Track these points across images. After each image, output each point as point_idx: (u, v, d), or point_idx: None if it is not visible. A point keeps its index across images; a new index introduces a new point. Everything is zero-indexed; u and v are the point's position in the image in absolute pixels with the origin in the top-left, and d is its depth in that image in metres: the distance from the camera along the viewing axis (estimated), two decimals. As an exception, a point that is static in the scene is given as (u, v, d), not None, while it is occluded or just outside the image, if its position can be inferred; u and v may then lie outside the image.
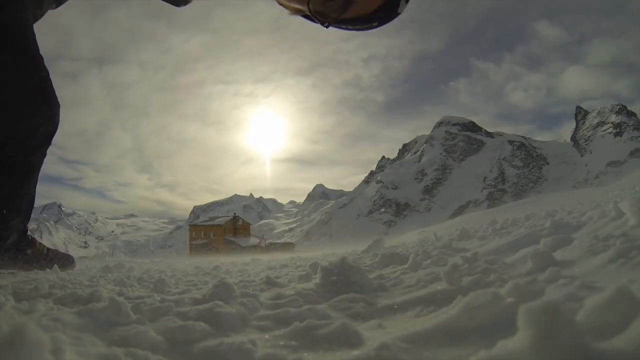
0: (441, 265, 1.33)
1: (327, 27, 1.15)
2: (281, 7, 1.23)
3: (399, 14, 1.15)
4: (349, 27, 1.17)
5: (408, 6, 1.14)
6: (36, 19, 1.67)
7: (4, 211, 1.70)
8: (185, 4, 1.61)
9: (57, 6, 1.77)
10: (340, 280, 1.05)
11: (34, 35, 1.56)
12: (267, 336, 0.65)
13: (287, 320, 0.74)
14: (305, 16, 1.20)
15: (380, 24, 1.17)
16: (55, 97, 1.67)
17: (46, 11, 1.72)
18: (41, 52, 1.58)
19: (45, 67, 1.60)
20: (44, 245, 2.11)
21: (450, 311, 0.61)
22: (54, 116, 1.68)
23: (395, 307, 0.85)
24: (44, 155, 1.76)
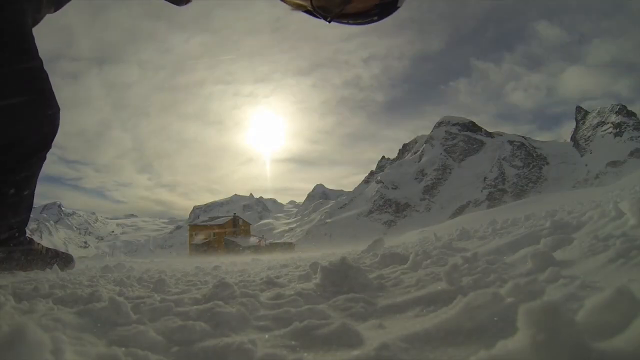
0: (441, 265, 1.33)
1: (329, 22, 1.15)
2: (283, 3, 1.23)
3: (399, 7, 1.15)
4: (350, 21, 1.17)
5: (407, 1, 1.15)
6: (35, 23, 1.67)
7: (4, 214, 1.70)
8: (186, 3, 1.61)
9: (55, 10, 1.77)
10: (340, 280, 1.05)
11: (32, 38, 1.56)
12: (267, 336, 0.65)
13: (287, 320, 0.74)
14: (307, 12, 1.19)
15: (380, 17, 1.17)
16: (55, 100, 1.67)
17: (44, 15, 1.72)
18: (40, 55, 1.58)
19: (44, 71, 1.60)
20: (43, 246, 2.11)
21: (450, 311, 0.61)
22: (54, 119, 1.68)
23: (395, 307, 0.85)
24: (44, 158, 1.75)
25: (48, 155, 1.80)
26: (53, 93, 1.65)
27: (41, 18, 1.71)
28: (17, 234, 1.85)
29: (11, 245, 1.82)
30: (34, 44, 1.56)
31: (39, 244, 2.08)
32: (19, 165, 1.64)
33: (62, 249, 2.20)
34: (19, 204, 1.74)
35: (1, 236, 1.76)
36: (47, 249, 2.15)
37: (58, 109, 1.69)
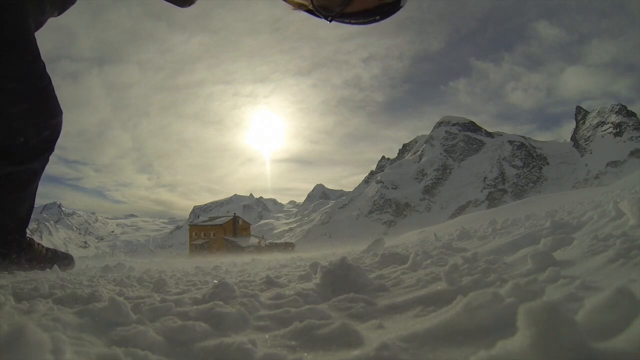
0: (441, 265, 1.33)
1: (330, 21, 1.14)
2: (284, 2, 1.23)
3: (401, 7, 1.15)
4: (352, 21, 1.16)
5: (409, 0, 1.14)
6: (38, 27, 1.68)
7: (5, 215, 1.71)
8: (189, 5, 1.61)
9: (59, 14, 1.77)
10: (340, 280, 1.05)
11: (35, 43, 1.56)
12: (267, 336, 0.65)
13: (287, 320, 0.74)
14: (308, 11, 1.19)
15: (383, 17, 1.16)
16: (58, 103, 1.68)
17: (48, 18, 1.73)
18: (42, 57, 1.59)
19: (47, 74, 1.61)
20: (43, 246, 2.11)
21: (450, 311, 0.61)
22: (57, 123, 1.69)
23: (395, 307, 0.85)
24: (46, 161, 1.76)
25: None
26: (55, 96, 1.65)
27: (44, 21, 1.72)
28: (17, 235, 1.85)
29: (12, 245, 1.82)
30: (37, 47, 1.56)
31: (39, 244, 2.08)
32: (21, 167, 1.64)
33: (62, 249, 2.21)
34: (20, 205, 1.75)
35: (2, 237, 1.76)
36: (47, 249, 2.15)
37: (61, 112, 1.70)
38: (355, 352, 0.53)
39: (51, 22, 1.79)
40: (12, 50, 1.47)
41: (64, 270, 2.13)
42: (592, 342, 0.36)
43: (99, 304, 0.75)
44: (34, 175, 1.73)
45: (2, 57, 1.45)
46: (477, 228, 3.59)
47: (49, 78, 1.62)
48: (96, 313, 0.72)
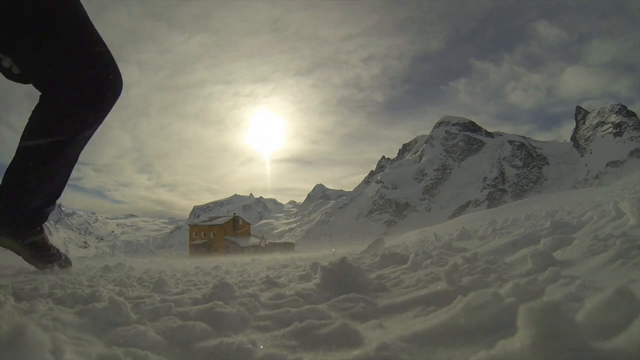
0: (441, 265, 1.34)
1: None
2: None
3: None
4: None
5: None
6: None
7: (44, 185, 1.72)
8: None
9: None
10: (340, 280, 1.05)
11: (85, 12, 1.63)
12: (267, 336, 0.65)
13: (287, 320, 0.74)
14: None
15: None
16: (115, 65, 1.75)
17: None
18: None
19: (103, 42, 1.70)
20: (49, 242, 2.11)
21: (450, 311, 0.61)
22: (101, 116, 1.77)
23: (395, 307, 0.85)
24: (93, 131, 1.82)
25: None
26: (113, 59, 1.75)
27: None
28: (38, 215, 1.85)
29: (32, 226, 1.82)
30: (88, 18, 1.63)
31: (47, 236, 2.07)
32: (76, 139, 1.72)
33: (62, 249, 2.19)
34: (46, 181, 1.75)
35: (23, 216, 1.75)
36: (52, 246, 2.14)
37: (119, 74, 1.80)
38: (355, 352, 0.53)
39: None
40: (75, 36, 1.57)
41: (64, 270, 2.13)
42: (592, 342, 0.36)
43: (99, 304, 0.76)
44: (79, 149, 1.77)
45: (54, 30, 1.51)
46: (477, 228, 3.59)
47: (106, 46, 1.73)
48: (96, 313, 0.72)
